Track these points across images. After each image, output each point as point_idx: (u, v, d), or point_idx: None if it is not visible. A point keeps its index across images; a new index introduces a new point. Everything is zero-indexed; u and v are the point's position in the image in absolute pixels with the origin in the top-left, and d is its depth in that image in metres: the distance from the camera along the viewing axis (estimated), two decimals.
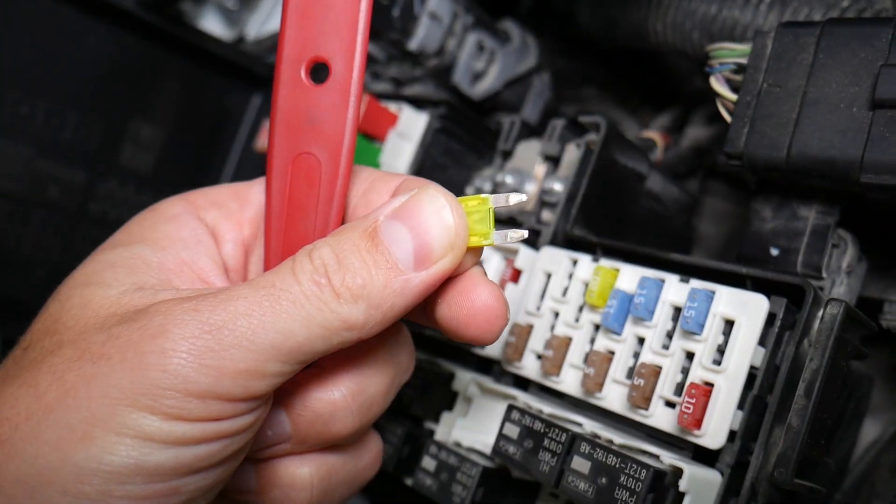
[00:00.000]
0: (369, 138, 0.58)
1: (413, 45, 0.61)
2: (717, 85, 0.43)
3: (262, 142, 0.65)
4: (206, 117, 0.73)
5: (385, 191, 0.36)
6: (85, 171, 0.68)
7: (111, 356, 0.28)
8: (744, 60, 0.42)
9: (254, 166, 0.72)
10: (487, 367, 0.48)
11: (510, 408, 0.40)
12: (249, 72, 0.70)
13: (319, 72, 0.35)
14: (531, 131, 0.57)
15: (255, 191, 0.39)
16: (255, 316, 0.29)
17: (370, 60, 0.67)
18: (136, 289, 0.32)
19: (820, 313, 0.36)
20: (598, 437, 0.38)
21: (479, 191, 0.59)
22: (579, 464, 0.37)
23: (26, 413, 0.28)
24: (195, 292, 0.31)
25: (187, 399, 0.28)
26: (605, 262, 0.43)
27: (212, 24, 0.86)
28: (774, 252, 0.41)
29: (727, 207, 0.69)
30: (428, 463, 0.43)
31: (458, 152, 0.61)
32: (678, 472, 0.35)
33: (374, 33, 0.63)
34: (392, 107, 0.59)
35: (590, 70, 0.79)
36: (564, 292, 0.44)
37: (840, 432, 0.43)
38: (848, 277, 0.41)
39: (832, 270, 0.41)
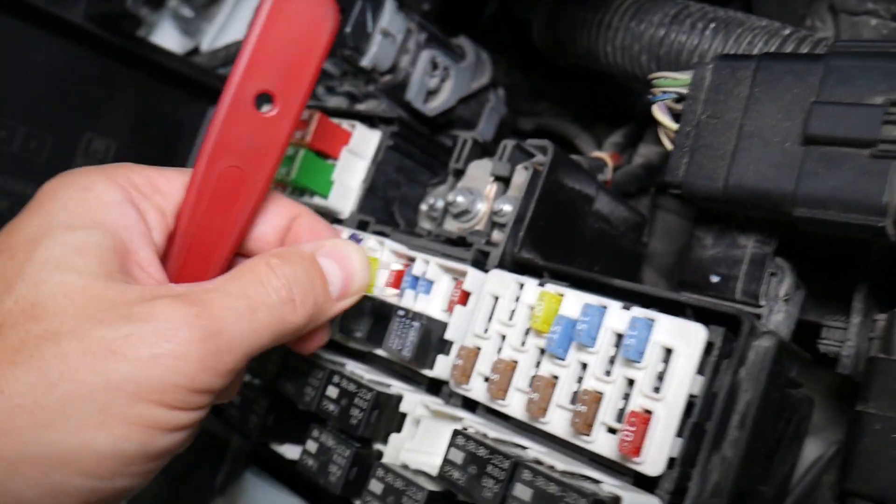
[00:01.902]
0: (322, 156, 0.57)
1: (366, 61, 0.61)
2: (659, 114, 0.44)
3: None
4: (160, 130, 0.72)
5: (308, 229, 0.43)
6: (35, 183, 0.67)
7: (126, 354, 0.32)
8: (685, 90, 0.43)
9: None
10: (437, 388, 0.48)
11: (455, 433, 0.41)
12: (204, 85, 0.69)
13: (264, 100, 0.39)
14: (483, 150, 0.58)
15: (172, 185, 0.40)
16: (241, 323, 0.35)
17: (324, 75, 0.67)
18: (107, 277, 0.34)
19: (756, 343, 0.37)
20: (541, 463, 0.39)
21: (432, 208, 0.59)
22: (521, 491, 0.37)
23: (42, 401, 0.31)
24: (184, 290, 0.35)
25: (190, 394, 0.33)
26: (551, 287, 0.44)
27: (167, 34, 0.85)
28: (714, 279, 0.42)
29: (679, 223, 0.70)
30: (375, 486, 0.43)
31: (412, 169, 0.61)
32: (617, 500, 0.36)
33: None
34: (345, 124, 0.59)
35: (545, 86, 0.79)
36: (511, 316, 0.45)
37: (779, 455, 0.44)
38: (786, 305, 0.42)
39: (770, 298, 0.42)
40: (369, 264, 0.42)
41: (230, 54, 0.74)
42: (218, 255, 0.41)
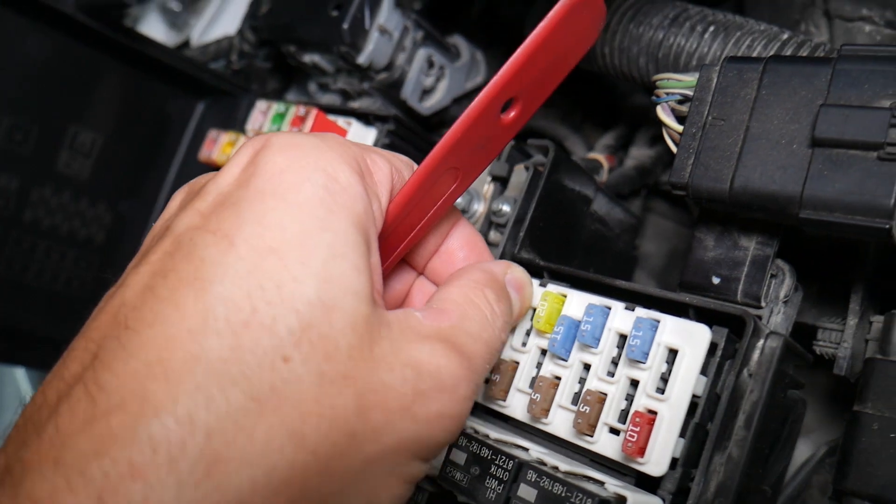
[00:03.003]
0: None
1: (362, 59, 0.61)
2: (664, 115, 0.44)
3: (205, 153, 0.63)
4: (148, 124, 0.71)
5: (465, 239, 0.42)
6: (19, 176, 0.66)
7: (416, 414, 0.30)
8: (689, 92, 0.43)
9: (198, 171, 0.71)
10: None
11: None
12: (194, 79, 0.68)
13: (508, 104, 0.36)
14: None
15: (382, 172, 0.35)
16: (485, 372, 0.35)
17: (317, 72, 0.66)
18: (371, 301, 0.31)
19: (759, 343, 0.37)
20: (545, 464, 0.38)
21: None
22: (526, 492, 0.37)
23: (348, 462, 0.30)
24: (444, 332, 0.33)
25: (440, 448, 0.32)
26: (553, 287, 0.43)
27: (155, 27, 0.84)
28: (716, 280, 0.42)
29: (669, 226, 0.70)
30: None
31: None
32: (622, 500, 0.36)
33: (324, 46, 0.62)
34: (340, 121, 0.58)
35: None
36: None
37: (775, 455, 0.44)
38: (785, 307, 0.42)
39: (770, 300, 0.42)
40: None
41: (221, 48, 0.73)
42: (400, 252, 0.39)
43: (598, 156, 0.62)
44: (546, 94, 0.36)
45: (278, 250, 0.28)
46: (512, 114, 0.36)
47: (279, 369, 0.27)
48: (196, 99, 0.71)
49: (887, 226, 0.34)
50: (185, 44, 0.80)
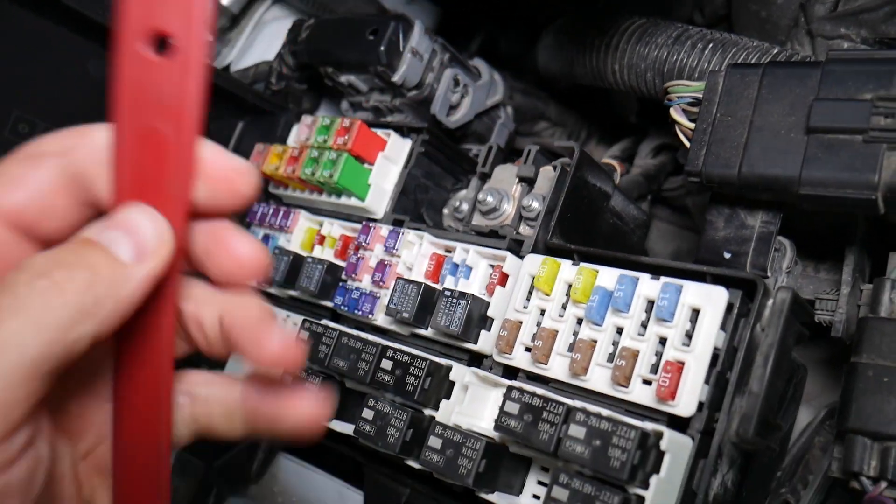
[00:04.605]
0: (360, 160, 0.63)
1: (397, 77, 0.67)
2: (677, 115, 0.51)
3: (254, 164, 0.69)
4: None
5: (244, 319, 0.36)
6: None
7: None
8: (699, 95, 0.50)
9: None
10: (479, 361, 0.54)
11: (510, 388, 0.46)
12: (238, 98, 0.74)
13: (161, 45, 0.32)
14: (505, 157, 0.64)
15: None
16: None
17: (352, 91, 0.73)
18: None
19: (769, 302, 0.44)
20: (589, 411, 0.44)
21: (456, 209, 0.65)
22: (575, 431, 0.43)
23: None
24: None
25: None
26: (585, 265, 0.50)
27: None
28: (727, 255, 0.49)
29: (672, 229, 0.77)
30: (434, 442, 0.48)
31: (439, 175, 0.67)
32: (660, 435, 0.42)
33: (361, 66, 0.69)
34: (380, 132, 0.65)
35: (543, 108, 0.86)
36: (549, 291, 0.51)
37: (781, 413, 0.51)
38: (787, 276, 0.49)
39: (775, 270, 0.48)
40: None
41: (259, 72, 0.80)
42: None
43: (612, 161, 0.69)
44: (197, 23, 0.31)
45: None
46: (175, 57, 0.31)
47: None
48: (237, 118, 0.78)
49: (873, 196, 0.41)
50: (225, 69, 0.87)
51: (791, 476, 0.57)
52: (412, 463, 0.51)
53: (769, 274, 0.48)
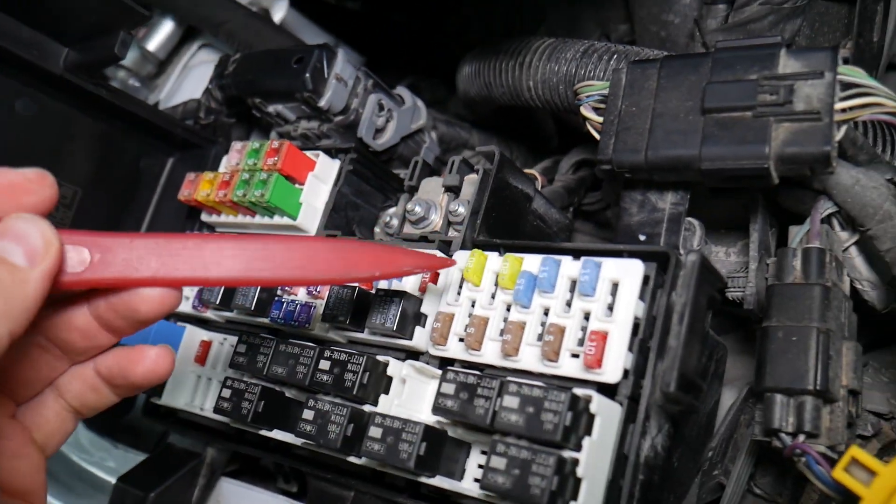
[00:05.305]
0: (291, 180, 0.65)
1: (323, 102, 0.70)
2: (587, 112, 0.54)
3: (185, 192, 0.70)
4: (123, 176, 0.77)
5: None
6: None
7: None
8: (605, 92, 0.54)
9: (170, 219, 0.77)
10: (415, 358, 0.55)
11: (446, 370, 0.48)
12: (167, 133, 0.76)
13: None
14: (431, 172, 0.67)
15: None
16: None
17: (283, 120, 0.75)
18: None
19: (682, 272, 0.47)
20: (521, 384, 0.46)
21: (387, 224, 0.67)
22: (509, 401, 0.44)
23: None
24: None
25: None
26: (510, 254, 0.52)
27: None
28: (642, 238, 0.52)
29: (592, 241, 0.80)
30: (374, 432, 0.49)
31: (368, 193, 0.69)
32: (589, 399, 0.44)
33: (288, 95, 0.72)
34: (309, 153, 0.67)
35: (465, 136, 0.90)
36: (478, 282, 0.53)
37: (705, 383, 0.53)
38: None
39: (687, 248, 0.52)
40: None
41: (188, 109, 0.81)
42: None
43: (533, 171, 0.72)
44: None
45: None
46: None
47: None
48: (167, 154, 0.79)
49: (766, 165, 0.45)
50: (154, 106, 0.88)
51: (722, 457, 0.59)
52: (354, 459, 0.52)
53: (681, 252, 0.51)
